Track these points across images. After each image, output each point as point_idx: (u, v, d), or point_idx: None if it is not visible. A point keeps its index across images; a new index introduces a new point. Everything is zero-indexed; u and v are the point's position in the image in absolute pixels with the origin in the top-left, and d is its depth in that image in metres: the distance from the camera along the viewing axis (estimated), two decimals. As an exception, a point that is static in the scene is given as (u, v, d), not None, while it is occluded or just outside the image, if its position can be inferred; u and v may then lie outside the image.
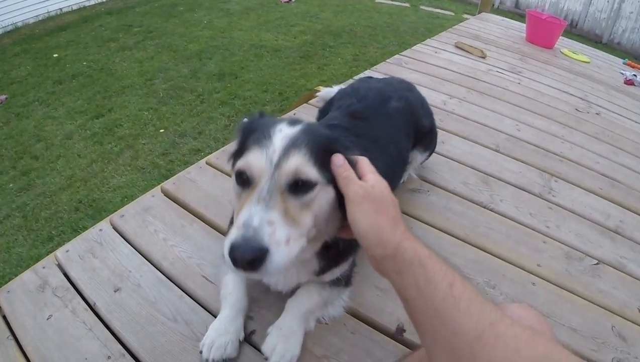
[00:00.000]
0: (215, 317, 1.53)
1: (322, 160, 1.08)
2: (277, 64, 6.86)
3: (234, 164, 1.15)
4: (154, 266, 1.80)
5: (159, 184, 2.31)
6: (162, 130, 5.24)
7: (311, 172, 1.05)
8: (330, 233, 1.23)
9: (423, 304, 0.86)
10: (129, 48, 7.81)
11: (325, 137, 1.14)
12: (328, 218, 1.14)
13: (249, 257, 0.92)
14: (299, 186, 1.04)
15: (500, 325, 0.79)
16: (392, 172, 1.91)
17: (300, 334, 1.47)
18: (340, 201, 1.09)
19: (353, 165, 1.09)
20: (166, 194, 2.17)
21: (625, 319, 1.78)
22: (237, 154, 1.16)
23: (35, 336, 1.57)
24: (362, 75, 3.74)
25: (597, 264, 2.03)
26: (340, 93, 2.16)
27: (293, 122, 1.16)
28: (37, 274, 1.81)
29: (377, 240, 0.95)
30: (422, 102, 2.28)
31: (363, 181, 1.05)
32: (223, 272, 1.63)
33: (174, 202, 2.12)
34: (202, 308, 1.63)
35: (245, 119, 1.26)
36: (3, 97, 6.37)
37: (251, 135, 1.13)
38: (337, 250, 1.36)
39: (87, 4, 10.82)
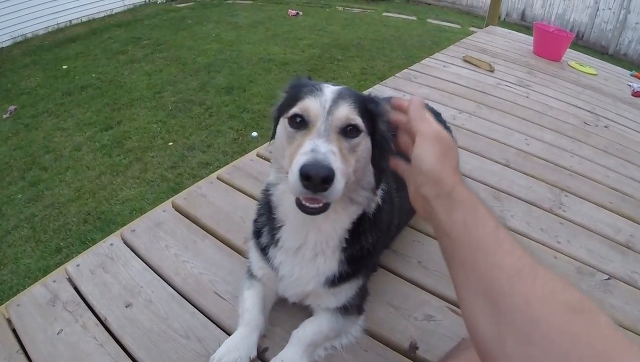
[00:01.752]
0: (228, 334, 1.53)
1: (363, 113, 1.20)
2: (285, 77, 6.86)
3: (281, 113, 1.28)
4: (165, 281, 1.79)
5: (168, 197, 2.32)
6: (170, 143, 5.25)
7: (358, 120, 1.18)
8: (369, 186, 1.32)
9: (467, 240, 0.89)
10: (138, 61, 7.86)
11: (364, 96, 1.28)
12: (364, 167, 1.26)
13: (324, 174, 1.02)
14: (347, 131, 1.17)
15: (539, 268, 0.81)
16: None
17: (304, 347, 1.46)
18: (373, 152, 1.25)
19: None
20: (177, 209, 2.17)
21: (637, 334, 1.77)
22: (286, 105, 1.26)
23: (46, 350, 1.56)
24: (371, 89, 3.75)
25: (609, 279, 2.01)
26: None
27: (335, 85, 1.29)
28: (47, 288, 1.80)
29: (437, 178, 1.00)
30: (438, 117, 2.27)
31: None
32: (242, 288, 1.63)
33: (185, 217, 2.12)
34: (214, 325, 1.62)
35: (294, 78, 1.38)
36: (12, 107, 6.42)
37: (302, 88, 1.25)
38: (358, 257, 1.42)
39: (96, 16, 10.93)
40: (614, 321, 1.64)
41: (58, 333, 1.62)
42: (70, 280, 1.84)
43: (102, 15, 11.08)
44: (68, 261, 1.97)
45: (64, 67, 7.80)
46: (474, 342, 0.84)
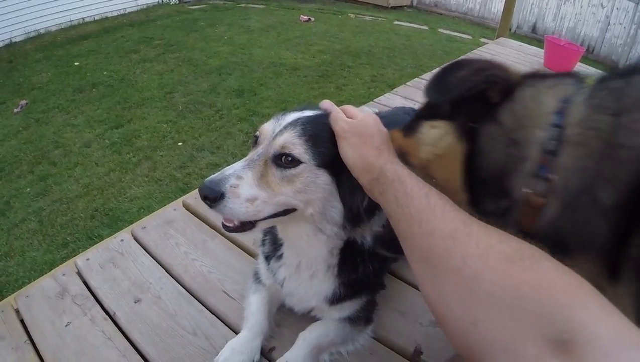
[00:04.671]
0: (235, 332, 1.54)
1: (318, 145, 1.17)
2: (295, 82, 6.91)
3: None
4: (174, 278, 1.81)
5: (176, 196, 2.33)
6: (180, 144, 5.28)
7: (296, 150, 1.15)
8: (333, 221, 1.28)
9: (402, 214, 0.92)
10: (150, 60, 7.91)
11: (329, 126, 1.20)
12: (321, 201, 1.22)
13: (205, 193, 1.09)
14: (282, 160, 1.16)
15: (473, 225, 0.83)
16: None
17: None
18: (340, 188, 1.21)
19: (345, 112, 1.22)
20: (187, 208, 2.19)
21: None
22: None
23: (53, 342, 1.58)
24: (381, 97, 3.76)
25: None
26: None
27: (317, 109, 1.29)
28: (56, 281, 1.82)
29: (363, 167, 1.06)
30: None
31: (352, 119, 1.17)
32: (248, 291, 1.64)
33: (196, 216, 2.13)
34: (222, 323, 1.63)
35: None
36: (24, 102, 6.45)
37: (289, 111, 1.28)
38: (352, 282, 1.43)
39: (109, 14, 11.00)
40: None
41: (66, 325, 1.64)
42: (79, 274, 1.86)
43: (115, 14, 11.15)
44: (74, 255, 1.99)
45: (76, 63, 7.84)
46: (431, 312, 0.86)
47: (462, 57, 1.10)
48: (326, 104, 1.26)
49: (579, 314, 0.63)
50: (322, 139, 1.18)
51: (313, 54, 8.24)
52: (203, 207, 2.13)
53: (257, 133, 1.25)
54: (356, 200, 1.21)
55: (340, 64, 7.76)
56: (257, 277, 1.65)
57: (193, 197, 2.26)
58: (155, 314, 1.65)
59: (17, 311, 1.72)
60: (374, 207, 1.22)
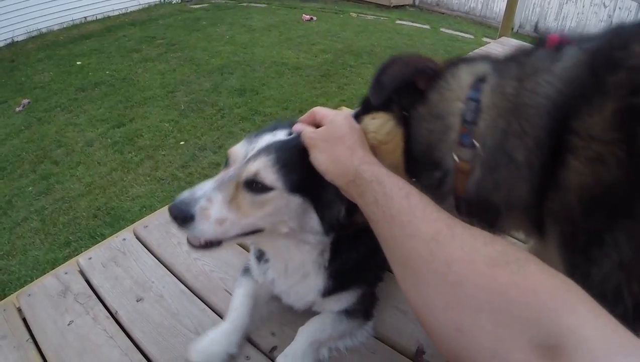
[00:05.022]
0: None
1: (291, 172, 1.16)
2: (297, 81, 6.91)
3: None
4: (177, 277, 1.80)
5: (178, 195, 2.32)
6: (182, 143, 5.29)
7: (268, 177, 1.14)
8: (315, 231, 1.29)
9: (382, 216, 0.90)
10: (152, 59, 7.93)
11: (302, 150, 1.19)
12: (296, 219, 1.24)
13: (174, 213, 1.09)
14: (253, 185, 1.15)
15: (457, 227, 0.80)
16: None
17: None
18: (315, 205, 1.23)
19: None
20: (190, 206, 2.18)
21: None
22: None
23: (55, 340, 1.58)
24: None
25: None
26: None
27: (288, 130, 1.26)
28: (59, 279, 1.82)
29: (337, 171, 1.04)
30: None
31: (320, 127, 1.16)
32: (236, 285, 1.64)
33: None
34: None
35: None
36: (26, 101, 6.47)
37: (260, 132, 1.27)
38: (347, 271, 1.43)
39: (111, 14, 11.01)
40: None
41: (68, 324, 1.63)
42: (82, 272, 1.86)
43: (117, 13, 11.16)
44: (76, 254, 1.99)
45: (78, 63, 7.87)
46: (416, 317, 0.83)
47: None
48: (297, 127, 1.23)
49: (566, 318, 0.62)
50: (295, 164, 1.17)
51: (315, 54, 8.24)
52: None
53: (229, 153, 1.25)
54: (333, 213, 1.23)
55: (342, 63, 7.76)
56: (245, 272, 1.65)
57: (195, 196, 2.26)
58: (157, 313, 1.65)
59: (19, 310, 1.72)
60: (353, 208, 1.19)
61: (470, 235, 0.79)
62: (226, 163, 1.25)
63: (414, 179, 1.09)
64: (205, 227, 1.11)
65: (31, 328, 1.64)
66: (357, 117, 1.23)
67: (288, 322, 1.61)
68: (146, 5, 11.84)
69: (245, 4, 12.36)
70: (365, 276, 1.54)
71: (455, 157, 1.02)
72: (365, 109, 1.22)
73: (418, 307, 0.81)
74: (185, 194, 1.12)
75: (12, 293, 1.82)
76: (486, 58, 1.12)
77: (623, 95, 0.83)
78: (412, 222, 0.84)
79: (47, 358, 1.53)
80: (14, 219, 4.23)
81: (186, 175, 4.67)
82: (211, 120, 5.76)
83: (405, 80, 1.09)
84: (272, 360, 1.49)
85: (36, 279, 1.92)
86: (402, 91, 1.11)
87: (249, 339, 1.55)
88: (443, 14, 13.30)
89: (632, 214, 0.82)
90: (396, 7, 13.23)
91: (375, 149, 1.14)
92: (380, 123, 1.16)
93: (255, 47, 8.55)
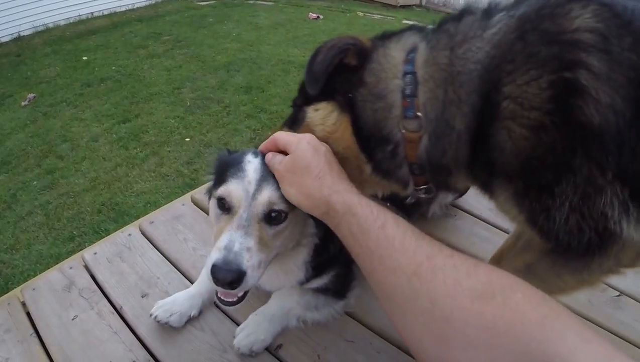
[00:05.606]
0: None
1: None
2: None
3: (211, 193, 1.28)
4: (182, 274, 1.78)
5: (183, 192, 2.31)
6: (187, 139, 5.29)
7: (282, 204, 1.15)
8: (311, 233, 1.33)
9: (360, 249, 0.89)
10: (158, 56, 7.94)
11: None
12: (302, 232, 1.30)
13: (230, 278, 1.05)
14: (272, 216, 1.15)
15: (438, 258, 0.79)
16: None
17: (274, 325, 1.50)
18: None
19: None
20: (196, 203, 2.17)
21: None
22: (215, 184, 1.26)
23: (60, 335, 1.56)
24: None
25: (619, 296, 1.99)
26: None
27: (256, 153, 1.25)
28: (63, 274, 1.81)
29: (309, 204, 1.02)
30: None
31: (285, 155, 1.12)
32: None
33: (204, 212, 2.11)
34: (229, 319, 1.60)
35: (216, 155, 1.37)
36: (32, 95, 6.48)
37: (227, 168, 1.22)
38: (325, 259, 1.45)
39: (118, 9, 11.03)
40: (623, 338, 1.58)
41: (73, 319, 1.62)
42: (86, 267, 1.85)
43: (123, 9, 11.19)
44: (80, 249, 1.98)
45: (84, 58, 7.89)
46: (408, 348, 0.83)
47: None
48: (262, 147, 1.22)
49: (556, 348, 0.62)
50: None
51: (321, 53, 8.18)
52: (212, 203, 2.13)
53: (222, 197, 1.18)
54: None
55: (349, 62, 7.69)
56: None
57: (201, 192, 2.23)
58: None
59: (23, 304, 1.70)
60: None
61: (453, 266, 0.77)
62: (223, 207, 1.19)
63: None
64: (254, 279, 1.10)
65: (35, 322, 1.62)
66: (297, 109, 1.27)
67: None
68: (153, 2, 11.87)
69: (252, 2, 12.38)
70: (340, 258, 1.52)
71: (403, 130, 1.10)
72: (305, 100, 1.25)
73: (408, 340, 0.80)
74: (223, 254, 1.07)
75: (15, 287, 1.81)
76: (412, 28, 1.22)
77: (557, 70, 0.92)
78: (392, 256, 0.82)
79: (50, 352, 1.51)
80: (18, 213, 4.24)
81: (191, 171, 4.66)
82: (217, 118, 5.76)
83: (332, 62, 1.14)
84: (277, 358, 1.48)
85: (40, 273, 1.91)
86: (338, 77, 1.17)
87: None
88: (449, 13, 13.22)
89: (572, 169, 0.92)
90: (403, 6, 13.22)
91: (325, 140, 1.17)
92: (325, 114, 1.21)
93: (261, 45, 8.55)
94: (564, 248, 1.04)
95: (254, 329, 1.47)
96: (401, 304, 0.79)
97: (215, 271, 1.05)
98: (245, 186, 1.15)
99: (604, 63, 0.89)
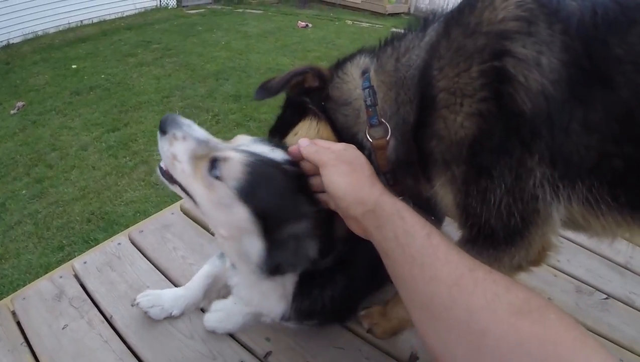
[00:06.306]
0: (231, 336, 1.56)
1: (258, 187, 1.10)
2: (292, 88, 6.88)
3: None
4: (172, 282, 1.80)
5: (172, 201, 2.32)
6: (177, 148, 5.23)
7: (231, 174, 1.10)
8: (247, 263, 1.20)
9: (402, 255, 0.86)
10: (147, 64, 7.93)
11: (290, 177, 1.15)
12: (230, 235, 1.18)
13: (165, 117, 1.19)
14: (215, 165, 1.14)
15: (479, 271, 0.79)
16: None
17: (247, 322, 1.54)
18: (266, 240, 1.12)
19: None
20: (185, 212, 2.18)
21: (634, 354, 1.76)
22: None
23: (50, 344, 1.57)
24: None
25: (607, 298, 2.02)
26: None
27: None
28: (53, 283, 1.81)
29: (356, 197, 0.98)
30: None
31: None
32: (208, 262, 1.72)
33: (193, 221, 2.13)
34: (218, 327, 1.63)
35: None
36: (20, 103, 6.46)
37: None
38: (317, 309, 1.35)
39: (107, 17, 11.01)
40: (611, 341, 1.64)
41: (63, 328, 1.63)
42: (76, 276, 1.85)
43: (113, 17, 11.16)
44: (70, 258, 1.98)
45: (73, 66, 7.86)
46: (432, 356, 0.82)
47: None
48: (303, 142, 1.12)
49: None
50: (270, 185, 1.11)
51: (310, 60, 8.26)
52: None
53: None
54: (287, 254, 1.11)
55: (338, 70, 7.72)
56: (221, 255, 1.68)
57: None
58: (152, 318, 1.65)
59: (13, 313, 1.71)
60: (328, 248, 1.15)
61: (493, 281, 0.77)
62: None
63: None
64: (164, 149, 1.17)
65: (25, 332, 1.63)
66: (278, 138, 1.32)
67: (282, 328, 1.61)
68: (142, 10, 11.85)
69: (241, 10, 12.42)
70: (338, 312, 1.49)
71: (369, 138, 1.20)
72: (280, 134, 1.34)
73: (438, 352, 0.79)
74: (181, 118, 1.18)
75: (4, 297, 1.82)
76: (362, 51, 1.32)
77: (487, 60, 0.98)
78: (434, 264, 0.81)
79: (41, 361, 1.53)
80: (7, 222, 4.22)
81: (180, 180, 4.63)
82: (206, 126, 5.63)
83: (289, 80, 1.25)
84: (266, 365, 1.50)
85: (29, 283, 1.91)
86: (306, 96, 1.29)
87: (243, 344, 1.55)
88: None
89: (508, 152, 0.99)
90: (391, 15, 13.30)
91: None
92: (306, 128, 1.28)
93: (250, 53, 8.58)
94: (485, 236, 1.10)
95: (225, 316, 1.57)
96: (437, 314, 0.78)
97: (170, 113, 1.18)
98: (247, 143, 1.19)
99: (530, 49, 0.95)
